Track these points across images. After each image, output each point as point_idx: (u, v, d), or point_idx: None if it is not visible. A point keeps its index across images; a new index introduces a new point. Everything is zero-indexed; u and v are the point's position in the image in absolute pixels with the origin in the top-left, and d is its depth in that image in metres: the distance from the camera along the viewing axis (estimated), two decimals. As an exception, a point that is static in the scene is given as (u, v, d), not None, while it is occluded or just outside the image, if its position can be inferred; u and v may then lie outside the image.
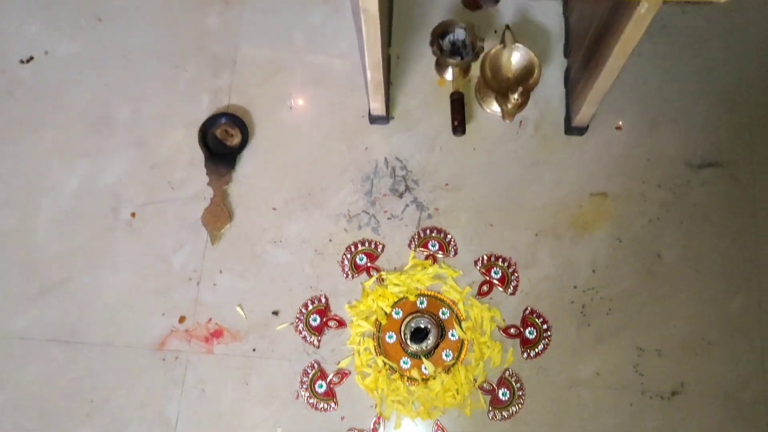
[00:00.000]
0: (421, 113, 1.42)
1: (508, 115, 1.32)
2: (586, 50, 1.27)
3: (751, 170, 1.36)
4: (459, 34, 1.37)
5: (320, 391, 1.26)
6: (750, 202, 1.34)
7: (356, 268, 1.32)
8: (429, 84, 1.44)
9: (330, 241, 1.34)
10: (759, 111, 1.39)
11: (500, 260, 1.32)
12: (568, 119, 1.39)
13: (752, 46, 1.43)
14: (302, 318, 1.29)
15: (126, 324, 1.29)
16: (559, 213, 1.35)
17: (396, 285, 1.30)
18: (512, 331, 1.28)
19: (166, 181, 1.37)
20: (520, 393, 1.25)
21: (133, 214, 1.35)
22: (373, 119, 1.40)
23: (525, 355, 1.27)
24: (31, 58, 1.45)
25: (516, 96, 1.27)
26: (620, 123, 1.40)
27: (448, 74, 1.42)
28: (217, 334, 1.29)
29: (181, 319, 1.30)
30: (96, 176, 1.37)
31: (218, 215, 1.35)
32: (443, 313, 1.29)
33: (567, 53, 1.43)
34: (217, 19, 1.47)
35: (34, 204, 1.35)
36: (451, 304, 1.29)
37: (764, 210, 1.34)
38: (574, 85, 1.37)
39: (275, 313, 1.30)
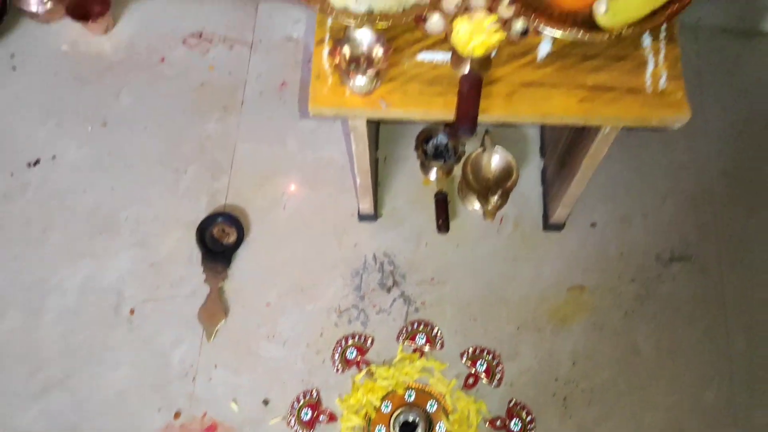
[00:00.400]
0: (407, 211, 1.50)
1: (488, 214, 1.41)
2: (559, 156, 1.38)
3: (719, 264, 1.44)
4: (441, 138, 1.47)
5: (312, 485, 1.29)
6: (719, 295, 1.42)
7: (347, 362, 1.37)
8: (414, 183, 1.53)
9: (321, 335, 1.40)
10: (722, 208, 1.49)
11: (485, 353, 1.38)
12: (545, 216, 1.48)
13: (713, 149, 1.54)
14: (294, 412, 1.34)
15: (124, 420, 1.33)
16: (539, 306, 1.42)
17: (385, 378, 1.35)
18: (498, 423, 1.33)
19: (165, 278, 1.43)
20: (507, 485, 1.29)
21: (131, 311, 1.41)
22: (362, 217, 1.48)
23: (510, 447, 1.31)
24: (38, 161, 1.53)
25: (496, 198, 1.36)
26: (595, 220, 1.49)
27: (432, 175, 1.52)
28: (212, 429, 1.33)
29: (176, 415, 1.34)
30: (99, 275, 1.43)
31: (214, 312, 1.41)
32: (431, 406, 1.34)
33: (543, 154, 1.54)
34: (216, 125, 1.57)
35: (39, 303, 1.41)
36: (438, 396, 1.34)
37: (733, 302, 1.42)
38: (550, 186, 1.47)
39: (265, 402, 1.34)
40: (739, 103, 1.58)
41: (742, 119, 1.57)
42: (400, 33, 1.00)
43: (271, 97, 1.60)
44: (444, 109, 0.97)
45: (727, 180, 1.52)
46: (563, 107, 0.97)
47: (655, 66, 0.98)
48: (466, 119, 0.91)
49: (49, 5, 1.57)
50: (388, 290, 1.43)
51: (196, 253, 1.45)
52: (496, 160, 1.42)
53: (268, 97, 1.60)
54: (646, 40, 0.99)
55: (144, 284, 1.43)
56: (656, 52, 0.98)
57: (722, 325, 1.40)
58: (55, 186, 1.51)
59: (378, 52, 0.93)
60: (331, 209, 1.50)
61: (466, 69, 0.96)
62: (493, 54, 0.97)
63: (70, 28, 1.62)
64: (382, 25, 0.97)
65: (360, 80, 0.93)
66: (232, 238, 1.47)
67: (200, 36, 1.65)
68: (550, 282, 1.44)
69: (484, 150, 1.43)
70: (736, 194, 1.50)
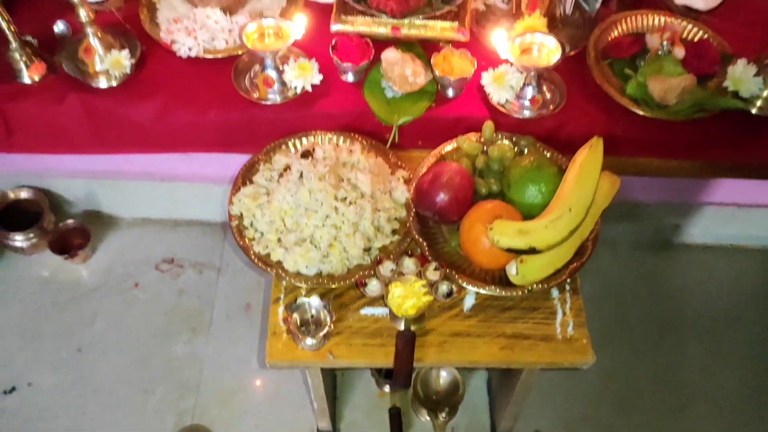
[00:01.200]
0: (365, 425, 1.60)
1: (438, 429, 1.51)
2: (498, 374, 1.51)
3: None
4: (393, 355, 1.60)
5: None
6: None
7: None
8: (371, 396, 1.64)
9: None
10: (652, 410, 1.61)
11: None
12: (492, 426, 1.59)
13: (639, 353, 1.69)
14: None
15: None
16: None
17: None
18: None
19: (130, 506, 1.48)
20: None
21: None
22: (321, 434, 1.58)
23: None
24: (14, 389, 1.61)
25: (444, 415, 1.47)
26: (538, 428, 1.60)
27: (387, 388, 1.63)
28: None
29: None
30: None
31: None
32: None
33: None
34: (184, 347, 1.68)
35: None
36: None
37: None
38: (495, 397, 1.59)
39: None
40: (659, 310, 1.76)
41: (663, 324, 1.74)
42: (345, 290, 1.16)
43: (237, 318, 1.73)
44: (385, 359, 1.11)
45: (654, 382, 1.66)
46: (487, 355, 1.11)
47: (563, 315, 1.14)
48: (401, 376, 1.05)
49: (33, 240, 1.73)
50: None
51: (161, 478, 1.51)
52: (443, 376, 1.55)
53: (234, 318, 1.73)
54: (555, 292, 1.16)
55: None
56: (563, 303, 1.16)
57: None
58: (29, 413, 1.58)
59: (326, 317, 1.09)
60: (292, 425, 1.59)
61: (402, 324, 1.11)
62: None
63: (51, 258, 1.77)
64: (332, 285, 1.13)
65: (309, 341, 1.07)
66: (196, 459, 1.53)
67: (172, 261, 1.81)
68: (501, 491, 1.52)
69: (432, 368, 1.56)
70: (663, 395, 1.64)
